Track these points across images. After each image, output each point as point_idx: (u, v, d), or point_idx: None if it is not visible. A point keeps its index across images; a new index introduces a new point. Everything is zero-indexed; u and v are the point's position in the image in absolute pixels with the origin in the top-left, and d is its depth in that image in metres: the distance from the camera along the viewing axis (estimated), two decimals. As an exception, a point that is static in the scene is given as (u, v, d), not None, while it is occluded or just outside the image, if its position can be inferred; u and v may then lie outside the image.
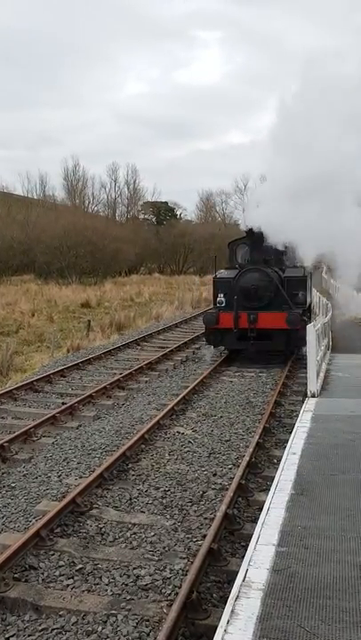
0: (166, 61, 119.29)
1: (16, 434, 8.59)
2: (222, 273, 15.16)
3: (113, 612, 4.46)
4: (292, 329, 13.30)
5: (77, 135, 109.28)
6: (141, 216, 74.28)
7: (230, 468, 7.39)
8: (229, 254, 15.78)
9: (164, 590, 4.77)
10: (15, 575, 4.93)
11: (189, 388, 11.35)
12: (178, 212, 75.32)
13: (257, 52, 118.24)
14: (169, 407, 9.89)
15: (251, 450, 7.69)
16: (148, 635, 4.24)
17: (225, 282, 14.42)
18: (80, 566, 5.13)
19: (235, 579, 3.62)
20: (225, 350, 15.19)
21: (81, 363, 14.33)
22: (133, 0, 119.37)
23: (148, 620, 4.37)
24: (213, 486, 6.86)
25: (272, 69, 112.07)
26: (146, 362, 14.36)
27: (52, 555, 5.31)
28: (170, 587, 4.80)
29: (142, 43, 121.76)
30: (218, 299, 14.39)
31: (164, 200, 74.58)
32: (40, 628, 4.37)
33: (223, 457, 7.85)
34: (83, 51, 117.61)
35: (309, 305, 16.23)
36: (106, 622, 4.37)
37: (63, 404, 10.53)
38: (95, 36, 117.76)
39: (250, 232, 14.30)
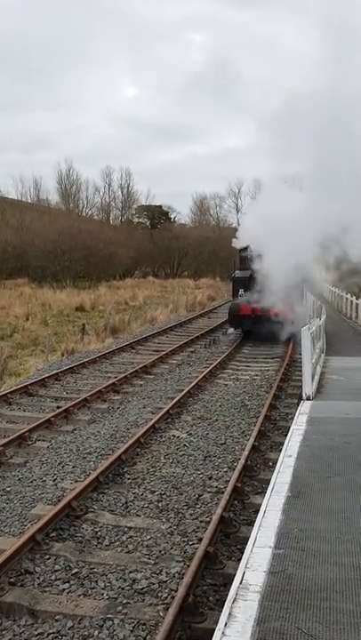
0: (161, 64, 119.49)
1: (11, 438, 8.56)
2: (238, 273, 20.30)
3: (109, 616, 4.45)
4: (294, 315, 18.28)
5: (72, 138, 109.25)
6: (135, 220, 74.31)
7: (226, 471, 7.39)
8: (240, 258, 20.60)
9: (160, 594, 4.76)
10: (11, 580, 4.91)
11: (185, 392, 11.35)
12: (172, 216, 75.44)
13: (252, 56, 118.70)
14: (164, 410, 9.88)
15: (246, 453, 7.69)
16: (144, 639, 4.23)
17: (242, 280, 19.35)
18: (76, 570, 5.12)
19: (231, 582, 3.61)
20: (241, 332, 19.80)
21: (76, 366, 14.30)
22: (127, 3, 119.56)
23: (144, 624, 4.36)
24: (209, 489, 6.86)
25: (267, 73, 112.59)
26: (141, 365, 14.36)
27: (48, 559, 5.29)
28: (166, 590, 4.80)
29: (137, 45, 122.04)
30: (239, 293, 19.54)
31: (158, 203, 74.70)
32: (36, 632, 4.35)
33: (219, 460, 7.85)
34: (77, 53, 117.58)
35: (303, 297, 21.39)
36: (102, 626, 4.35)
37: (58, 407, 10.49)
38: (90, 38, 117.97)
39: None
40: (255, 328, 18.72)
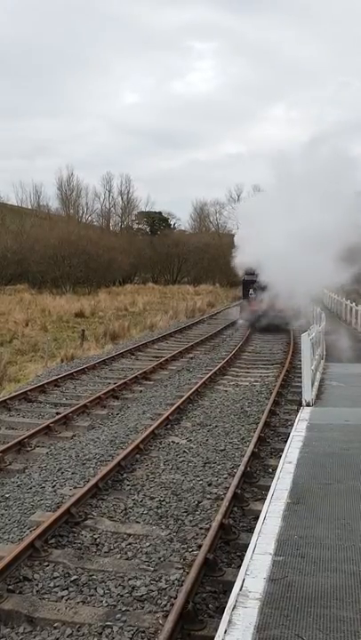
0: (161, 71, 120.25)
1: (10, 444, 8.53)
2: (247, 277, 24.73)
3: (108, 623, 4.43)
4: (295, 310, 21.43)
5: (72, 145, 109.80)
6: (135, 226, 74.46)
7: (225, 478, 7.36)
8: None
9: (159, 601, 4.73)
10: (9, 587, 4.88)
11: (184, 398, 11.33)
12: (172, 222, 75.62)
13: (252, 63, 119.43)
14: (164, 417, 9.86)
15: (246, 459, 7.67)
16: (143, 646, 4.20)
17: (251, 282, 23.69)
18: (75, 577, 5.09)
19: (231, 589, 3.60)
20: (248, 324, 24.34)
21: (75, 372, 14.28)
22: (128, 10, 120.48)
23: (143, 632, 4.34)
24: (209, 496, 6.83)
25: (268, 79, 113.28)
26: (140, 371, 14.34)
27: (47, 566, 5.27)
28: (165, 597, 4.77)
29: (137, 53, 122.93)
30: (249, 292, 24.36)
31: (157, 210, 74.86)
32: (34, 640, 4.32)
33: (218, 466, 7.82)
34: (78, 60, 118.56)
35: None
36: (101, 634, 4.33)
37: (57, 413, 10.48)
38: (91, 45, 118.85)
39: None
40: (262, 321, 23.01)
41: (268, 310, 22.40)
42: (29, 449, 8.67)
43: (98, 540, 5.82)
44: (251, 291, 24.24)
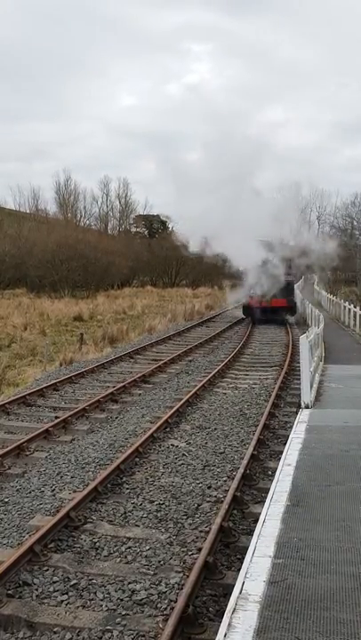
0: (158, 74, 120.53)
1: (9, 448, 8.52)
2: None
3: (108, 627, 4.41)
4: (289, 306, 27.63)
5: (70, 148, 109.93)
6: (133, 229, 74.57)
7: (225, 481, 7.35)
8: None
9: (159, 605, 4.72)
10: (9, 591, 4.86)
11: (183, 401, 11.32)
12: (170, 225, 75.71)
13: (249, 64, 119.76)
14: (163, 420, 9.85)
15: (245, 462, 7.67)
16: (144, 650, 4.19)
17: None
18: (74, 582, 5.07)
19: (231, 592, 3.59)
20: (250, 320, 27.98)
21: (74, 376, 14.27)
22: (125, 12, 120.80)
23: (143, 636, 4.32)
24: (208, 499, 6.82)
25: (265, 81, 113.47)
26: (139, 374, 14.34)
27: (46, 570, 5.25)
28: (165, 601, 4.76)
29: (134, 55, 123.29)
30: (250, 291, 27.72)
31: (155, 213, 75.02)
32: (34, 645, 4.31)
33: (218, 469, 7.82)
34: (75, 63, 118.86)
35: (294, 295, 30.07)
36: (101, 638, 4.31)
37: (56, 417, 10.46)
38: (88, 48, 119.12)
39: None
40: (261, 315, 26.90)
41: (267, 305, 26.59)
42: (28, 453, 8.66)
43: (97, 543, 5.80)
44: (251, 290, 27.62)
